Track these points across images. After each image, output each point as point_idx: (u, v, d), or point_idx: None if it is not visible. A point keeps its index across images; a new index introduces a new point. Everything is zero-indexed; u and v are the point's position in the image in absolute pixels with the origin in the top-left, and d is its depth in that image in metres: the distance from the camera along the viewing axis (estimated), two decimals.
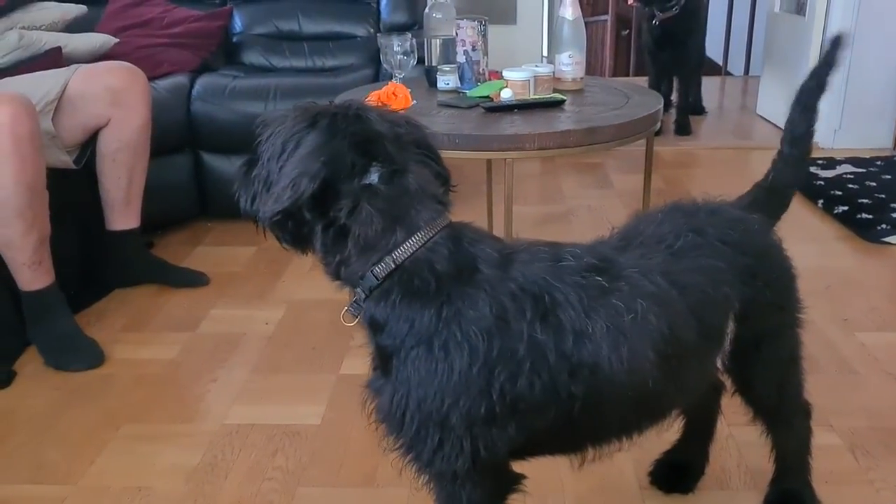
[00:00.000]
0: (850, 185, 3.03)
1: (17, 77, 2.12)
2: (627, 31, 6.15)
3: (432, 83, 2.30)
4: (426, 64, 2.36)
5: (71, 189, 2.14)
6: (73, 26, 2.49)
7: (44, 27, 2.36)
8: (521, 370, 0.93)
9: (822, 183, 3.07)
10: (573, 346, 0.94)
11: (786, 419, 1.29)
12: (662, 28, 3.77)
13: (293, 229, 0.95)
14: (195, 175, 2.75)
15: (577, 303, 0.95)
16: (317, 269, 1.02)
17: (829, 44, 1.25)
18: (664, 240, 1.06)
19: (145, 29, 2.92)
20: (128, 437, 1.67)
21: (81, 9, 2.54)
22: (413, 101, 2.04)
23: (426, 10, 2.35)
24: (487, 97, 2.11)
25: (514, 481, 1.08)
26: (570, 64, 2.25)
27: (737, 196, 1.24)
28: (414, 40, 2.25)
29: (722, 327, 1.09)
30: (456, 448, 0.95)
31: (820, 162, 3.34)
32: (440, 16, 2.30)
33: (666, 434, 1.42)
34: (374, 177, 0.91)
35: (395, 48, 2.20)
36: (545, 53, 4.01)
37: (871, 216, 2.71)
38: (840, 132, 3.62)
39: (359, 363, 1.04)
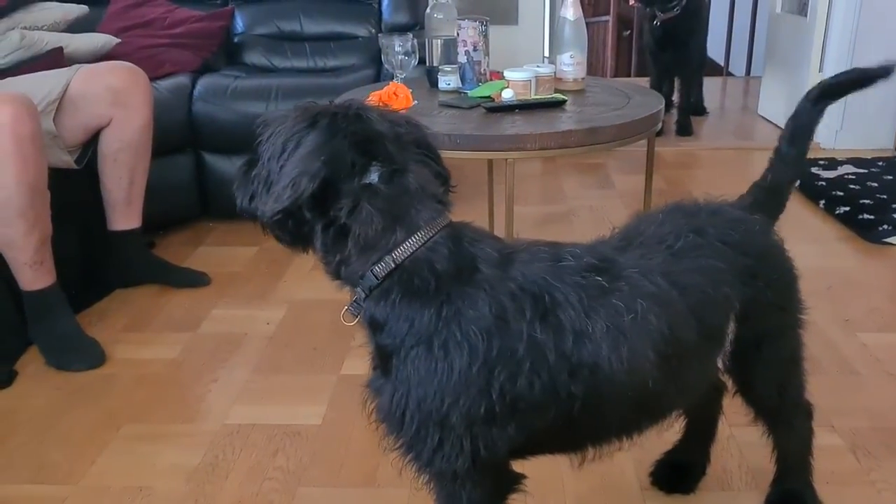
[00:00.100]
0: (852, 186, 3.03)
1: (18, 77, 2.12)
2: (629, 31, 6.14)
3: (433, 83, 2.31)
4: (427, 64, 2.36)
5: (72, 189, 2.15)
6: (75, 26, 2.50)
7: (45, 27, 2.36)
8: (520, 370, 0.93)
9: (824, 183, 3.07)
10: (573, 346, 0.94)
11: (787, 420, 1.29)
12: (664, 28, 3.77)
13: (293, 229, 0.95)
14: (196, 175, 2.75)
15: (577, 303, 0.95)
16: (318, 269, 1.02)
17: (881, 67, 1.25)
18: (665, 240, 1.06)
19: (147, 29, 2.92)
20: (129, 437, 1.67)
21: (83, 9, 2.54)
22: (414, 102, 2.04)
23: (427, 10, 2.35)
24: (489, 97, 2.11)
25: (515, 481, 1.08)
26: (571, 64, 2.25)
27: (738, 196, 1.24)
28: (415, 41, 2.25)
29: (722, 328, 1.09)
30: (456, 447, 0.95)
31: (821, 162, 3.33)
32: (441, 16, 2.30)
33: (667, 434, 1.42)
34: (374, 176, 0.91)
35: (397, 48, 2.20)
36: (546, 54, 4.01)
37: (872, 217, 2.71)
38: (841, 133, 3.61)
39: (359, 363, 1.04)
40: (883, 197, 2.90)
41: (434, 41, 2.31)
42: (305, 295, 2.28)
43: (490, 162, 2.57)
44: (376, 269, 0.93)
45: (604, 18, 6.19)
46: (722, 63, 5.88)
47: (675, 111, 4.01)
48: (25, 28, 2.29)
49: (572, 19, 2.24)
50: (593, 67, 5.83)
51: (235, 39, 3.20)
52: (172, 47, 2.86)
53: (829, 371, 1.85)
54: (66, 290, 2.00)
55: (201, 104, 2.68)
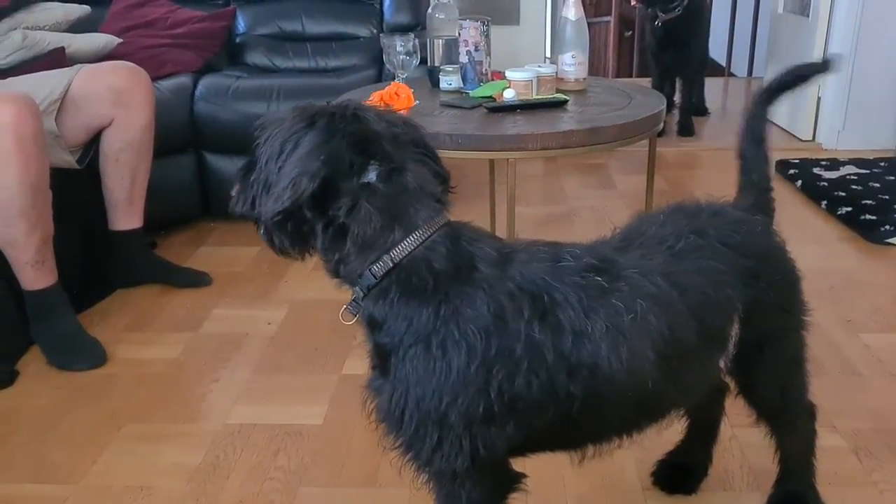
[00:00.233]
0: (854, 187, 3.02)
1: (20, 77, 2.13)
2: (630, 32, 6.14)
3: (435, 83, 2.31)
4: (429, 64, 2.36)
5: (74, 189, 2.15)
6: (77, 26, 2.50)
7: (47, 27, 2.36)
8: (518, 369, 0.93)
9: (826, 184, 3.06)
10: (572, 346, 0.94)
11: (790, 421, 1.29)
12: (665, 29, 3.77)
13: (293, 229, 0.95)
14: (198, 175, 2.75)
15: (577, 303, 0.95)
16: (319, 269, 1.02)
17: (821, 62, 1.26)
18: (665, 241, 1.06)
19: (149, 29, 2.92)
20: (130, 437, 1.67)
21: (85, 9, 2.54)
22: (416, 102, 2.04)
23: (429, 10, 2.35)
24: (490, 97, 2.11)
25: (515, 480, 1.07)
26: (572, 64, 2.25)
27: (736, 198, 1.24)
28: (417, 41, 2.25)
29: (724, 329, 1.08)
30: (455, 446, 0.95)
31: (823, 163, 3.33)
32: (443, 16, 2.30)
33: (669, 435, 1.41)
34: (372, 175, 0.91)
35: (398, 48, 2.20)
36: (548, 54, 4.01)
37: (874, 217, 2.70)
38: (843, 133, 3.61)
39: (361, 363, 1.04)
40: (885, 197, 2.89)
41: (436, 41, 2.31)
42: (307, 295, 2.28)
43: (491, 162, 2.56)
44: (375, 268, 0.93)
45: (605, 19, 6.19)
46: (724, 63, 5.88)
47: (676, 111, 4.01)
48: (27, 28, 2.29)
49: (574, 19, 2.24)
50: (595, 68, 5.82)
51: (237, 40, 3.20)
52: (174, 47, 2.86)
53: (831, 372, 1.85)
54: (67, 289, 2.00)
55: (203, 104, 2.68)
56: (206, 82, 2.75)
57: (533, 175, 3.41)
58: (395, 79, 2.26)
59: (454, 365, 0.92)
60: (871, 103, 3.54)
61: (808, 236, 2.66)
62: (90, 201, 2.26)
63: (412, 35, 2.27)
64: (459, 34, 2.23)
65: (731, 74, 5.83)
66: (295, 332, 2.09)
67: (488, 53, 2.27)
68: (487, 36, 2.25)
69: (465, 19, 2.24)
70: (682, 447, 1.44)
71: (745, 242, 1.10)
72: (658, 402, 1.08)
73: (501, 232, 2.35)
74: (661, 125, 2.15)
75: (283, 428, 1.68)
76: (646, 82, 3.98)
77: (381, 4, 3.27)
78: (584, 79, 2.28)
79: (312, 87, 2.75)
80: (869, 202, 2.84)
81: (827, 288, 2.26)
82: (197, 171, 2.74)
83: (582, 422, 1.00)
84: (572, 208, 3.02)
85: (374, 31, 3.22)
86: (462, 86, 2.24)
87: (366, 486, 1.50)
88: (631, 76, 5.83)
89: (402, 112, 1.89)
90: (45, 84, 2.06)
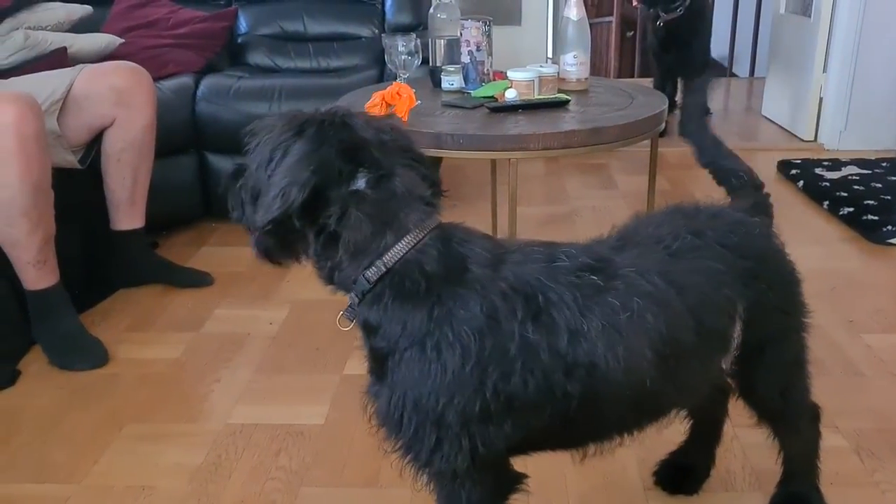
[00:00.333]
0: (856, 187, 3.02)
1: (22, 77, 2.13)
2: (632, 32, 6.14)
3: (437, 83, 2.31)
4: (430, 64, 2.36)
5: (76, 189, 2.15)
6: (79, 26, 2.50)
7: (49, 27, 2.36)
8: (513, 369, 0.93)
9: (828, 184, 3.06)
10: (568, 345, 0.94)
11: (791, 423, 1.29)
12: (667, 29, 3.77)
13: (282, 237, 0.96)
14: (200, 175, 2.75)
15: (572, 302, 0.95)
16: None
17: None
18: (662, 241, 1.06)
19: (151, 29, 2.92)
20: (131, 437, 1.67)
21: (87, 9, 2.54)
22: (418, 102, 2.04)
23: (431, 10, 2.35)
24: (492, 97, 2.11)
25: (516, 480, 1.08)
26: (574, 64, 2.25)
27: (736, 199, 1.24)
28: (418, 41, 2.25)
29: (724, 329, 1.08)
30: (454, 446, 0.95)
31: (825, 163, 3.33)
32: (445, 16, 2.30)
33: (672, 435, 1.41)
34: (361, 182, 0.92)
35: (400, 48, 2.20)
36: (550, 54, 4.01)
37: (876, 217, 2.70)
38: (845, 133, 3.61)
39: (362, 364, 1.04)
40: (887, 198, 2.89)
41: (437, 41, 2.31)
42: (308, 295, 2.28)
43: (493, 162, 2.56)
44: (368, 273, 0.94)
45: (607, 19, 6.20)
46: (725, 64, 5.88)
47: (678, 112, 4.01)
48: (29, 28, 2.29)
49: (576, 19, 2.24)
50: (596, 68, 5.83)
51: (239, 40, 3.20)
52: (176, 47, 2.86)
53: (833, 372, 1.84)
54: (69, 289, 2.00)
55: (205, 104, 2.68)
56: (207, 82, 2.76)
57: (534, 175, 3.41)
58: (396, 79, 2.26)
59: (449, 366, 0.92)
60: (872, 104, 3.53)
61: (809, 237, 2.65)
62: (92, 201, 2.26)
63: (414, 35, 2.27)
64: (461, 34, 2.23)
65: (733, 75, 5.83)
66: (296, 332, 2.09)
67: (490, 53, 2.27)
68: (489, 36, 2.25)
69: (466, 19, 2.24)
70: (685, 448, 1.44)
71: (743, 243, 1.09)
72: (657, 401, 1.08)
73: (503, 232, 2.35)
74: (663, 125, 2.15)
75: (284, 428, 1.68)
76: (647, 82, 3.98)
77: (383, 4, 3.28)
78: (586, 79, 2.28)
79: (314, 87, 2.75)
80: (871, 202, 2.84)
81: (829, 288, 2.26)
82: (198, 171, 2.74)
83: (581, 421, 1.00)
84: (574, 208, 3.02)
85: (376, 31, 3.22)
86: (464, 86, 2.24)
87: (367, 486, 1.50)
88: (632, 76, 5.83)
89: (400, 114, 1.90)
90: (47, 84, 2.06)
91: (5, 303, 1.96)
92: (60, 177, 1.96)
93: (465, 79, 2.24)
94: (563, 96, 2.10)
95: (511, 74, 2.12)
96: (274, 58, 3.12)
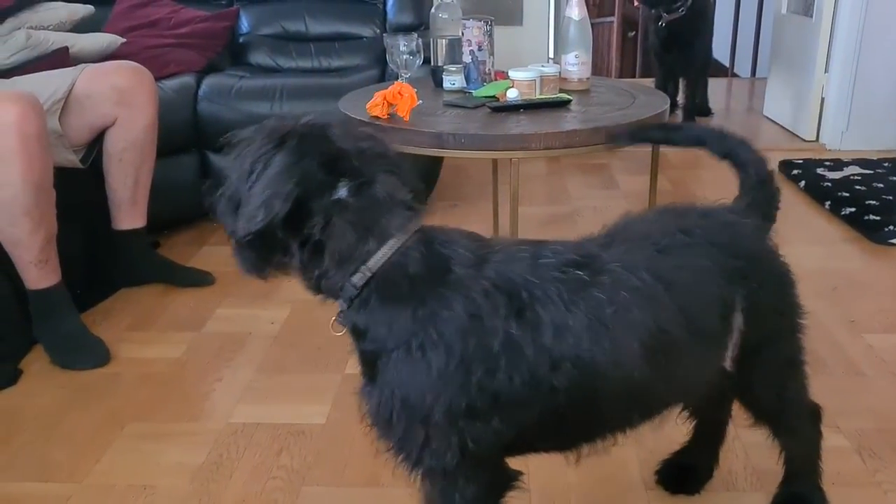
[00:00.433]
0: (858, 187, 3.02)
1: (24, 76, 2.13)
2: (633, 32, 6.14)
3: (438, 83, 2.31)
4: (432, 64, 2.36)
5: (77, 188, 2.15)
6: (81, 26, 2.50)
7: (51, 27, 2.37)
8: (497, 365, 0.94)
9: (830, 184, 3.06)
10: (553, 340, 0.95)
11: (789, 425, 1.28)
12: (669, 29, 3.77)
13: (263, 248, 0.97)
14: (201, 175, 2.75)
15: (556, 297, 0.96)
16: None
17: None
18: (651, 238, 1.06)
19: (152, 29, 2.93)
20: (133, 436, 1.67)
21: (89, 9, 2.54)
22: (419, 101, 2.04)
23: (432, 10, 2.35)
24: (493, 97, 2.11)
25: (511, 478, 1.08)
26: (576, 64, 2.25)
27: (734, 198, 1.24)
28: (420, 40, 2.25)
29: (714, 327, 1.08)
30: (443, 444, 0.97)
31: (827, 163, 3.33)
32: (446, 16, 2.30)
33: (674, 435, 1.42)
34: (342, 191, 0.93)
35: (402, 48, 2.20)
36: (551, 54, 4.01)
37: (878, 218, 2.70)
38: (847, 134, 3.60)
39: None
40: (889, 198, 2.89)
41: (439, 41, 2.31)
42: (309, 295, 2.27)
43: (495, 162, 2.56)
44: (354, 279, 0.96)
45: (609, 19, 6.20)
46: (727, 64, 5.87)
47: (680, 112, 4.01)
48: (31, 28, 2.29)
49: (577, 19, 2.24)
50: (598, 69, 5.83)
51: (240, 40, 3.20)
52: (178, 47, 2.86)
53: (834, 372, 1.84)
54: (70, 289, 2.00)
55: (206, 104, 2.69)
56: (209, 82, 2.76)
57: (536, 175, 3.41)
58: (398, 78, 2.26)
59: (434, 365, 0.94)
60: (874, 104, 3.53)
61: (811, 237, 2.65)
62: (94, 201, 2.26)
63: (415, 35, 2.27)
64: (463, 34, 2.23)
65: (735, 75, 5.83)
66: (297, 332, 2.09)
67: (491, 53, 2.27)
68: (491, 35, 2.25)
69: (468, 19, 2.24)
70: (688, 448, 1.44)
71: (733, 243, 1.10)
72: (648, 397, 1.07)
73: (504, 232, 2.35)
74: None
75: (285, 427, 1.68)
76: (649, 83, 3.98)
77: (385, 4, 3.28)
78: (588, 78, 2.28)
79: (315, 87, 2.75)
80: (873, 202, 2.83)
81: (830, 288, 2.26)
82: (200, 170, 2.75)
83: (571, 417, 1.01)
84: (575, 208, 3.02)
85: (378, 30, 3.22)
86: (465, 85, 2.24)
87: (369, 485, 1.50)
88: (634, 76, 5.83)
89: (401, 114, 1.90)
90: (48, 83, 2.06)
91: (7, 302, 1.96)
92: (62, 176, 1.96)
93: (467, 78, 2.24)
94: (565, 96, 2.10)
95: (512, 74, 2.12)
96: (275, 57, 3.12)
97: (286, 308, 2.22)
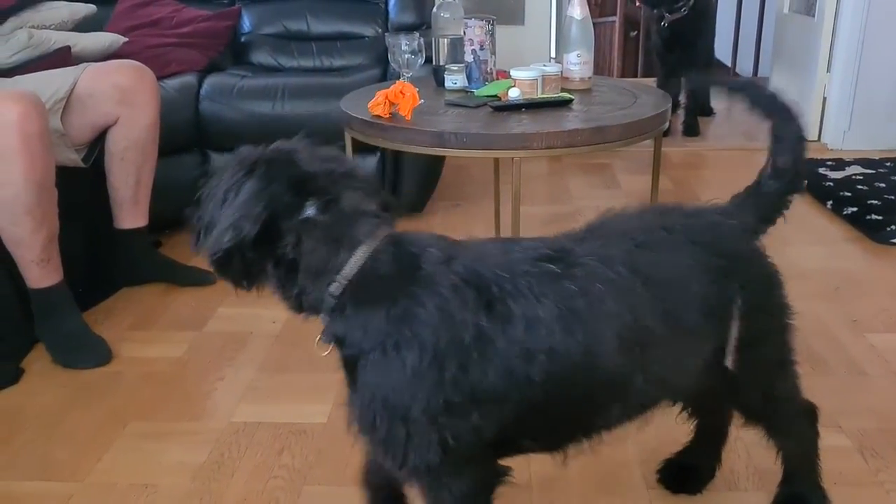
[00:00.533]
0: (860, 187, 3.02)
1: (26, 76, 2.13)
2: (635, 32, 6.14)
3: (440, 82, 2.30)
4: (434, 63, 2.35)
5: (79, 187, 2.15)
6: (83, 25, 2.50)
7: (53, 26, 2.37)
8: (469, 359, 0.96)
9: (831, 184, 3.05)
10: (525, 332, 0.96)
11: (781, 425, 1.28)
12: (671, 29, 3.76)
13: (239, 267, 0.99)
14: (203, 174, 2.75)
15: (527, 290, 0.97)
16: None
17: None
18: (630, 234, 1.07)
19: (154, 28, 2.93)
20: (135, 435, 1.67)
21: (91, 8, 2.54)
22: (421, 101, 2.03)
23: (434, 9, 2.35)
24: (495, 96, 2.11)
25: (500, 474, 1.09)
26: (578, 63, 2.24)
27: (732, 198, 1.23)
28: (422, 40, 2.25)
29: (697, 323, 1.07)
30: (424, 441, 0.98)
31: (829, 163, 3.32)
32: (448, 15, 2.30)
33: (675, 435, 1.41)
34: (310, 210, 0.96)
35: (403, 47, 2.20)
36: (553, 53, 4.01)
37: (880, 217, 2.69)
38: (849, 133, 3.60)
39: None
40: (891, 198, 2.88)
41: (441, 40, 2.31)
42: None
43: (496, 161, 2.56)
44: (331, 289, 0.98)
45: (610, 19, 6.19)
46: (729, 64, 5.87)
47: (681, 111, 4.00)
48: (33, 27, 2.29)
49: (579, 18, 2.24)
50: (600, 68, 5.82)
51: (242, 39, 3.20)
52: (179, 46, 2.86)
53: (836, 372, 1.84)
54: (72, 288, 2.00)
55: (208, 103, 2.68)
56: (211, 81, 2.76)
57: (538, 174, 3.41)
58: (400, 78, 2.26)
59: (409, 363, 0.95)
60: (876, 103, 3.53)
61: (813, 236, 2.65)
62: (95, 200, 2.27)
63: (417, 34, 2.27)
64: (464, 33, 2.23)
65: (737, 74, 5.82)
66: (299, 331, 2.08)
67: (493, 52, 2.27)
68: (492, 35, 2.25)
69: (470, 18, 2.24)
70: (690, 448, 1.44)
71: (716, 242, 1.10)
72: (627, 390, 1.07)
73: (506, 231, 2.35)
74: (667, 125, 2.14)
75: (287, 426, 1.68)
76: (651, 82, 3.98)
77: (387, 4, 3.27)
78: (590, 78, 2.27)
79: (317, 86, 2.75)
80: (875, 202, 2.83)
81: (832, 288, 2.26)
82: (202, 170, 2.74)
83: (552, 412, 1.02)
84: (577, 208, 3.01)
85: (379, 30, 3.22)
86: (467, 85, 2.24)
87: None
88: (636, 76, 5.83)
89: (403, 113, 1.90)
90: (50, 83, 2.06)
91: (8, 301, 1.96)
92: (64, 175, 1.96)
93: (469, 78, 2.24)
94: (567, 95, 2.10)
95: (514, 73, 2.12)
96: (277, 57, 3.12)
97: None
